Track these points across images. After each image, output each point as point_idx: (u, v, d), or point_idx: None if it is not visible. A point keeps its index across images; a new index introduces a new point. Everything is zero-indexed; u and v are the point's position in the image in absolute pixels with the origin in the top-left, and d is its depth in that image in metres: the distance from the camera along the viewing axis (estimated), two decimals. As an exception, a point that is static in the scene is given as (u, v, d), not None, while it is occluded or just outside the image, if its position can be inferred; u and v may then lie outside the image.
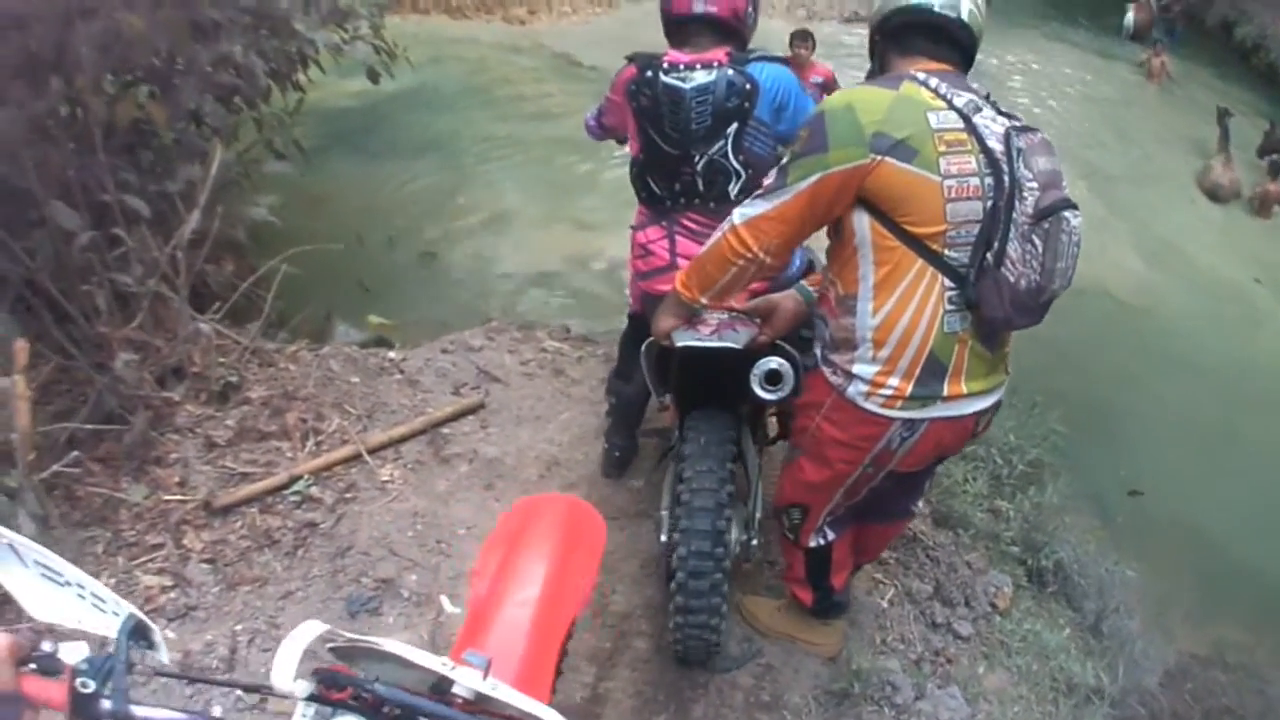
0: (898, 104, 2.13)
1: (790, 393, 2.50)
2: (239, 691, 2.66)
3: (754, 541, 2.89)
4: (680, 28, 2.84)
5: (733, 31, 2.84)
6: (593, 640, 3.15)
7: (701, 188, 2.87)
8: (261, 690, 1.11)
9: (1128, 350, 6.38)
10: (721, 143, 2.79)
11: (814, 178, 2.15)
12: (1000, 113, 2.26)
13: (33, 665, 1.04)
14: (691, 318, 2.54)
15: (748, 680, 3.16)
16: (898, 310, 2.20)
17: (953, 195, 2.12)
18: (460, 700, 1.22)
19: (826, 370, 2.36)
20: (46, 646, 1.04)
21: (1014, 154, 2.14)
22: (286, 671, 1.08)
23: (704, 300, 2.43)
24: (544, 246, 6.06)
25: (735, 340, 2.49)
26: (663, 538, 2.73)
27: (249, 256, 4.36)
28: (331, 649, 1.22)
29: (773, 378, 2.48)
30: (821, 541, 2.78)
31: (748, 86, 2.73)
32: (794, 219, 2.21)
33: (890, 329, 2.21)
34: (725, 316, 2.59)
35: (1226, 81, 13.64)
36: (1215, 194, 9.48)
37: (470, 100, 8.30)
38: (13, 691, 1.00)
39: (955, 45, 2.31)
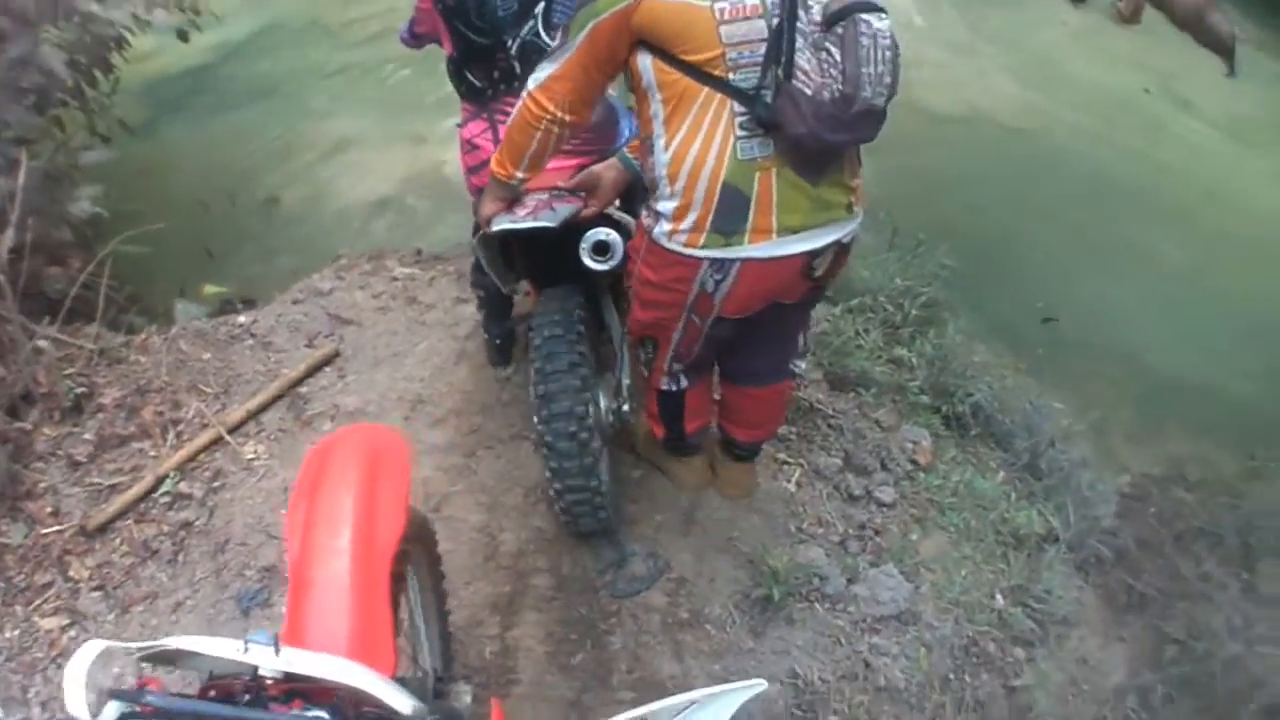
0: None
1: (621, 262, 3.00)
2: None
3: (625, 407, 3.46)
4: None
5: None
6: (489, 587, 3.48)
7: (519, 70, 3.33)
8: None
9: (1019, 176, 6.87)
10: (531, 22, 3.30)
11: (588, 28, 2.56)
12: None
13: None
14: (514, 201, 3.02)
15: (661, 599, 3.51)
16: (686, 141, 2.58)
17: (726, 17, 2.48)
18: (271, 680, 1.46)
19: (643, 214, 2.80)
20: None
21: None
22: (78, 698, 1.27)
23: (520, 174, 2.87)
24: (385, 170, 6.52)
25: (551, 219, 2.95)
26: (535, 419, 3.13)
27: (93, 249, 4.66)
28: (143, 659, 1.45)
29: (601, 248, 2.98)
30: (674, 387, 3.33)
31: None
32: (579, 72, 2.64)
33: (681, 161, 2.59)
34: (546, 196, 3.07)
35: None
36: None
37: (303, 36, 8.70)
38: None
39: None
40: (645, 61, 2.57)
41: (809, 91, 2.45)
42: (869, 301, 4.94)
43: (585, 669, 3.33)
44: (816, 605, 3.63)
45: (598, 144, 3.39)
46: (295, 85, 7.85)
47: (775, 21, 2.47)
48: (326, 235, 5.91)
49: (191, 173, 6.67)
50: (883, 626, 3.65)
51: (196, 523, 3.66)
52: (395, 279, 4.92)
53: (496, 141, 3.29)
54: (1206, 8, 10.31)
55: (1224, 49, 10.13)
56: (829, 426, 4.28)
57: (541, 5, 3.28)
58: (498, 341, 4.25)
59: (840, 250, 2.80)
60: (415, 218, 6.06)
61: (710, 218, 2.61)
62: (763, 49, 2.49)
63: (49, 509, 3.66)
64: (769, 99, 2.49)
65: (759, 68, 2.50)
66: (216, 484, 3.78)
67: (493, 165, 2.92)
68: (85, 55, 5.28)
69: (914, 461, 4.29)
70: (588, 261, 2.99)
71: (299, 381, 4.19)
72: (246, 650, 1.43)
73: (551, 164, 3.00)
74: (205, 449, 3.89)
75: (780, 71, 2.47)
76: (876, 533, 3.97)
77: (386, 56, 7.65)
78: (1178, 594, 4.37)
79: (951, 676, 3.64)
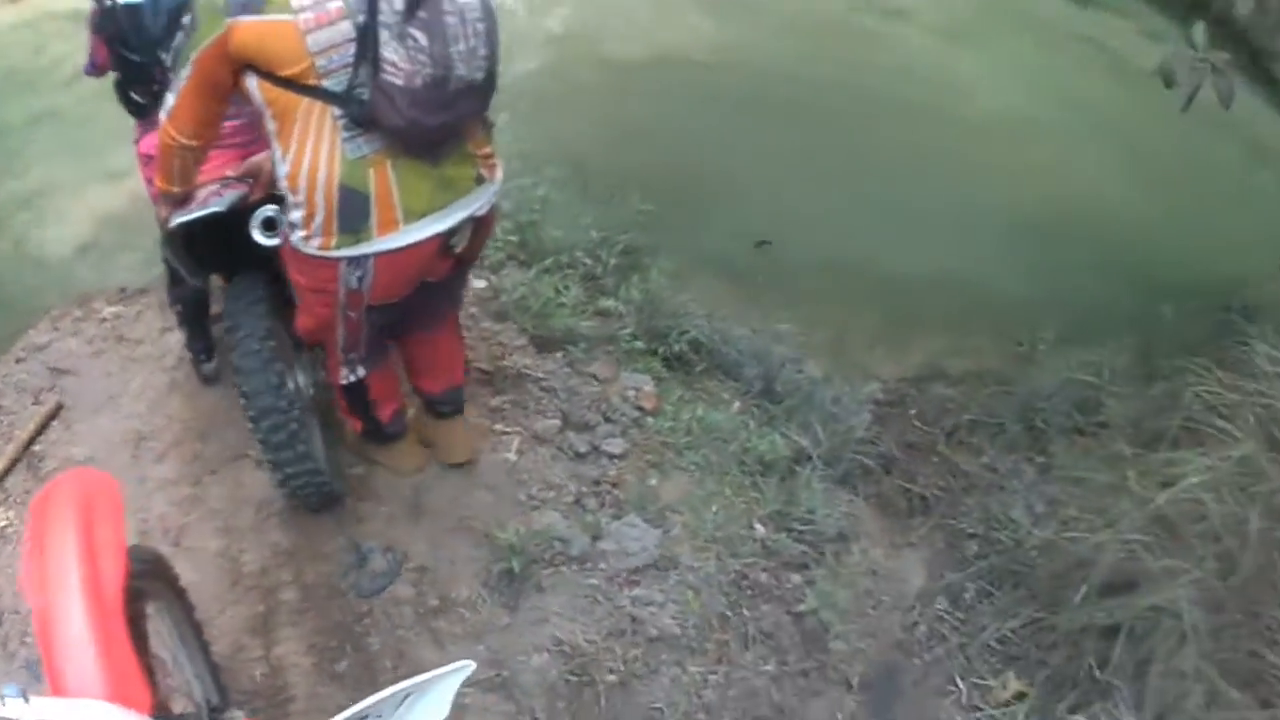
0: None
1: None
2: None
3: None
4: None
5: None
6: (243, 610, 3.55)
7: None
8: None
9: (717, 113, 6.83)
10: (180, 34, 3.42)
11: (191, 59, 2.78)
12: None
13: None
14: (188, 198, 3.27)
15: (408, 591, 3.61)
16: (298, 153, 2.80)
17: (310, 26, 2.64)
18: None
19: (284, 228, 3.05)
20: None
21: None
22: None
23: (177, 188, 3.17)
24: (84, 212, 6.56)
25: (220, 204, 3.27)
26: (242, 406, 3.38)
27: None
28: None
29: (269, 224, 3.20)
30: (354, 378, 3.51)
31: None
32: (194, 101, 2.86)
33: (299, 172, 2.82)
34: (216, 186, 3.36)
35: None
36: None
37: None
38: None
39: None
40: (252, 83, 2.77)
41: (400, 82, 2.65)
42: (565, 259, 4.93)
43: (352, 674, 3.40)
44: (564, 569, 3.68)
45: (255, 132, 3.50)
46: None
47: (361, 19, 2.64)
48: (36, 288, 5.89)
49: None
50: (640, 577, 3.70)
51: None
52: (104, 320, 5.01)
53: None
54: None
55: None
56: (541, 389, 4.29)
57: (187, 17, 3.39)
58: (203, 358, 4.40)
59: (478, 224, 3.10)
60: (117, 255, 6.08)
61: (335, 220, 2.85)
62: (352, 49, 2.67)
63: None
64: (364, 97, 2.69)
65: (350, 68, 2.69)
66: None
67: (157, 182, 3.21)
68: None
69: (640, 408, 4.30)
70: (258, 237, 3.21)
71: (31, 441, 4.30)
72: (4, 704, 1.51)
73: (217, 159, 3.28)
74: None
75: (371, 67, 2.67)
76: (613, 485, 3.98)
77: (81, 97, 7.53)
78: (962, 489, 4.38)
79: (729, 613, 3.68)
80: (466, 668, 1.84)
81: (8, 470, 4.16)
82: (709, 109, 6.79)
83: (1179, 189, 6.51)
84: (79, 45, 8.96)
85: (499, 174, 3.06)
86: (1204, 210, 6.33)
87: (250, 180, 3.34)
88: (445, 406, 3.84)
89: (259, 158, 3.33)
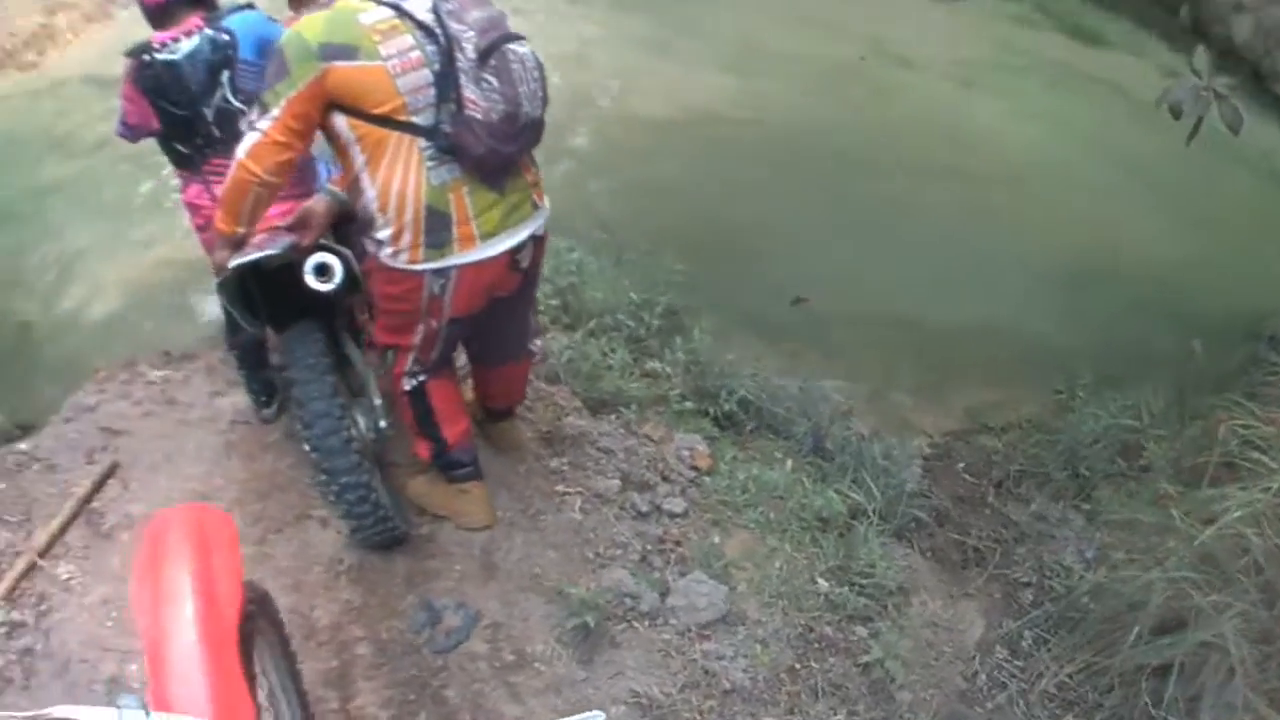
0: (333, 17, 3.15)
1: (342, 283, 3.48)
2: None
3: (382, 424, 3.90)
4: (160, 13, 4.01)
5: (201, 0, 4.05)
6: (317, 664, 3.63)
7: (219, 134, 3.98)
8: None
9: (745, 168, 7.04)
10: (221, 90, 3.96)
11: (286, 98, 3.12)
12: None
13: None
14: (241, 244, 3.50)
15: (482, 647, 3.72)
16: (388, 179, 3.22)
17: (398, 71, 3.11)
18: None
19: (368, 244, 3.40)
20: None
21: (442, 16, 3.18)
22: None
23: (240, 229, 3.42)
24: (121, 277, 6.76)
25: (275, 248, 3.48)
26: (306, 449, 3.62)
27: None
28: None
29: (322, 270, 3.45)
30: (414, 383, 3.76)
31: (226, 38, 3.94)
32: (283, 139, 3.17)
33: (388, 196, 3.23)
34: (267, 235, 3.61)
35: None
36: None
37: (26, 151, 9.00)
38: None
39: None
40: (340, 120, 3.19)
41: (480, 116, 3.16)
42: (608, 322, 5.10)
43: (431, 726, 3.50)
44: (636, 624, 3.78)
45: (302, 185, 4.00)
46: (19, 206, 8.11)
47: (437, 67, 3.15)
48: (78, 352, 6.09)
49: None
50: (710, 632, 3.80)
51: (36, 647, 3.79)
52: (152, 383, 5.16)
53: (212, 198, 3.91)
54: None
55: None
56: (598, 450, 4.42)
57: (226, 74, 3.94)
58: (262, 399, 4.64)
59: (537, 242, 3.54)
60: (155, 320, 6.31)
61: (422, 236, 3.27)
62: (432, 92, 3.16)
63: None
64: (447, 130, 3.17)
65: (434, 107, 3.17)
66: (43, 608, 3.94)
67: (216, 223, 3.47)
68: None
69: (695, 468, 4.46)
70: (311, 282, 3.44)
71: (89, 498, 4.43)
72: (121, 716, 1.62)
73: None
74: (24, 576, 4.07)
75: (454, 105, 3.15)
76: (677, 543, 4.11)
77: (110, 160, 7.95)
78: (1013, 539, 4.53)
79: (797, 666, 3.77)
80: (596, 717, 1.96)
81: (67, 525, 4.32)
82: (736, 165, 6.99)
83: (1205, 224, 6.75)
84: (99, 113, 9.19)
85: (547, 201, 3.52)
86: (1230, 243, 6.55)
87: (301, 230, 3.64)
88: (507, 414, 4.31)
89: (309, 204, 3.72)
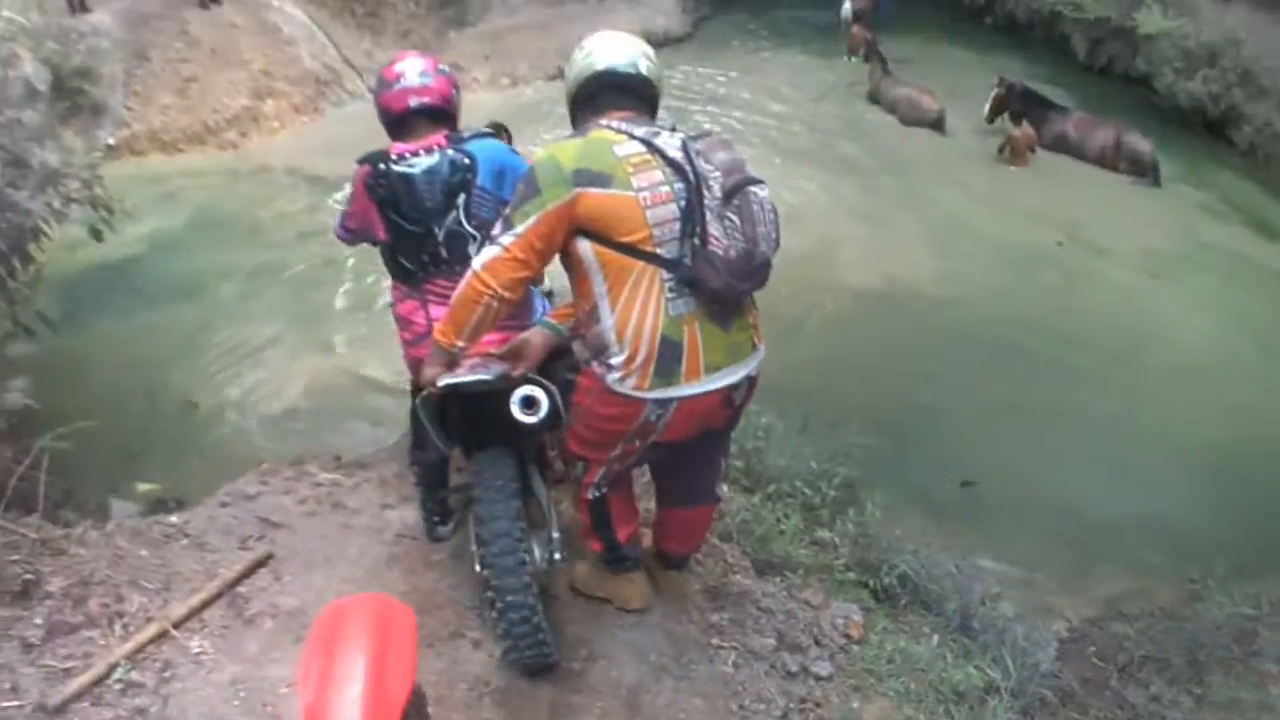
0: (588, 146, 3.41)
1: (547, 417, 3.66)
2: None
3: (556, 556, 4.08)
4: (400, 122, 4.18)
5: (445, 115, 4.23)
6: None
7: (446, 255, 4.14)
8: None
9: (938, 346, 7.66)
10: (455, 213, 4.10)
11: (534, 217, 3.33)
12: (677, 132, 3.56)
13: None
14: (452, 364, 3.67)
15: None
16: (628, 307, 3.38)
17: (649, 203, 3.34)
18: None
19: (594, 367, 3.53)
20: None
21: (692, 156, 3.45)
22: None
23: (460, 343, 3.55)
24: (296, 376, 7.26)
25: (488, 373, 3.66)
26: (477, 568, 3.82)
27: (21, 440, 5.34)
28: None
29: (529, 403, 3.63)
30: (597, 494, 3.96)
31: (467, 161, 4.07)
32: (524, 256, 3.37)
33: (626, 323, 3.39)
34: (478, 360, 3.77)
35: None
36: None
37: (220, 233, 9.68)
38: None
39: (636, 95, 3.66)
40: (584, 246, 3.39)
41: (720, 252, 3.37)
42: (787, 488, 5.55)
43: None
44: None
45: (519, 318, 4.05)
46: (210, 284, 8.75)
47: (683, 203, 3.37)
48: (242, 439, 6.64)
49: (110, 368, 7.41)
50: None
51: (151, 709, 3.90)
52: (319, 484, 5.39)
53: (427, 317, 4.14)
54: (1120, 134, 11.70)
55: (1146, 167, 11.43)
56: (759, 609, 4.73)
57: (462, 197, 4.06)
58: (436, 519, 4.77)
59: (751, 382, 3.66)
60: (327, 425, 6.77)
61: (653, 365, 3.40)
62: (677, 226, 3.38)
63: (7, 685, 3.90)
64: (688, 263, 3.36)
65: (676, 241, 3.37)
66: (167, 674, 4.05)
67: (436, 334, 3.61)
68: (4, 242, 5.95)
69: (847, 636, 4.75)
70: (517, 414, 3.61)
71: (238, 581, 4.57)
72: None
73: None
74: (153, 641, 4.18)
75: (697, 240, 3.37)
76: (817, 705, 4.37)
77: (307, 257, 8.59)
78: None
79: None
80: None
81: (209, 602, 4.42)
82: (929, 343, 7.57)
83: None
84: (303, 207, 9.67)
85: (762, 343, 3.66)
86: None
87: (514, 359, 3.79)
88: (679, 564, 4.50)
89: (526, 334, 3.87)
